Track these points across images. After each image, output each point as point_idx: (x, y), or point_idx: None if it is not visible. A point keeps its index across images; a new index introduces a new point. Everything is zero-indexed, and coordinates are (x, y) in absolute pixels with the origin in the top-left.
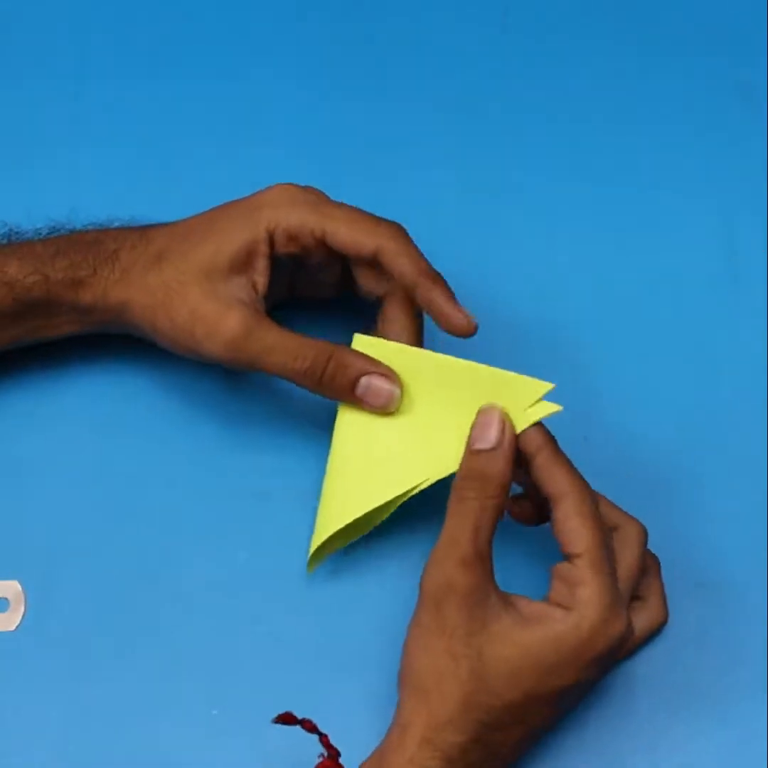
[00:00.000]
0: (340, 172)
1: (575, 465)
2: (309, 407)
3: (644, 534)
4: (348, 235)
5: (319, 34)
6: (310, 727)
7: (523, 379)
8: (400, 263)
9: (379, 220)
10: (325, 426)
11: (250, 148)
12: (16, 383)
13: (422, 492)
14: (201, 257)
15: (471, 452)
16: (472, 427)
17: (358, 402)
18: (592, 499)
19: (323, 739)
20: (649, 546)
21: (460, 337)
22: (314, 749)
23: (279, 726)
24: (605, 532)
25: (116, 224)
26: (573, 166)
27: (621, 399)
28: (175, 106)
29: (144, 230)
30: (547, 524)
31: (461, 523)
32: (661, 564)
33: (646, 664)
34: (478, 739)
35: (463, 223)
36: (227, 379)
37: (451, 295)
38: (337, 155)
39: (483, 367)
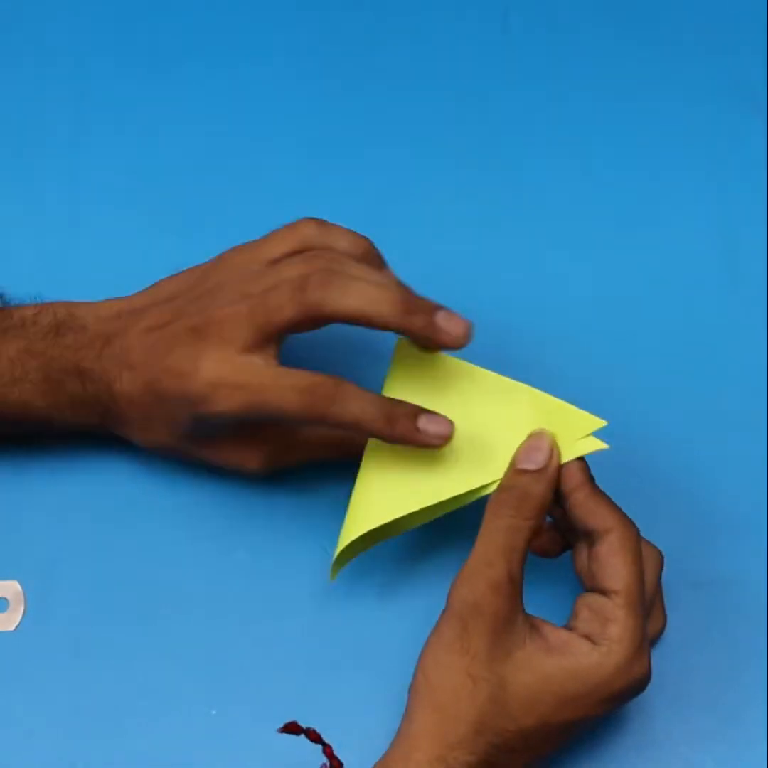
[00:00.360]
0: (340, 172)
1: None
2: None
3: (661, 561)
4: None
5: (318, 34)
6: (314, 737)
7: (576, 412)
8: (379, 313)
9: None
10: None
11: (250, 150)
12: None
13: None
14: (210, 353)
15: (515, 471)
16: (520, 448)
17: (420, 441)
18: (637, 537)
19: (327, 750)
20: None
21: (457, 347)
22: (314, 751)
23: (278, 722)
24: (643, 575)
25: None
26: (572, 166)
27: (619, 399)
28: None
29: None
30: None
31: (495, 541)
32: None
33: None
34: (488, 760)
35: (461, 222)
36: None
37: (431, 320)
38: (337, 155)
39: (535, 390)
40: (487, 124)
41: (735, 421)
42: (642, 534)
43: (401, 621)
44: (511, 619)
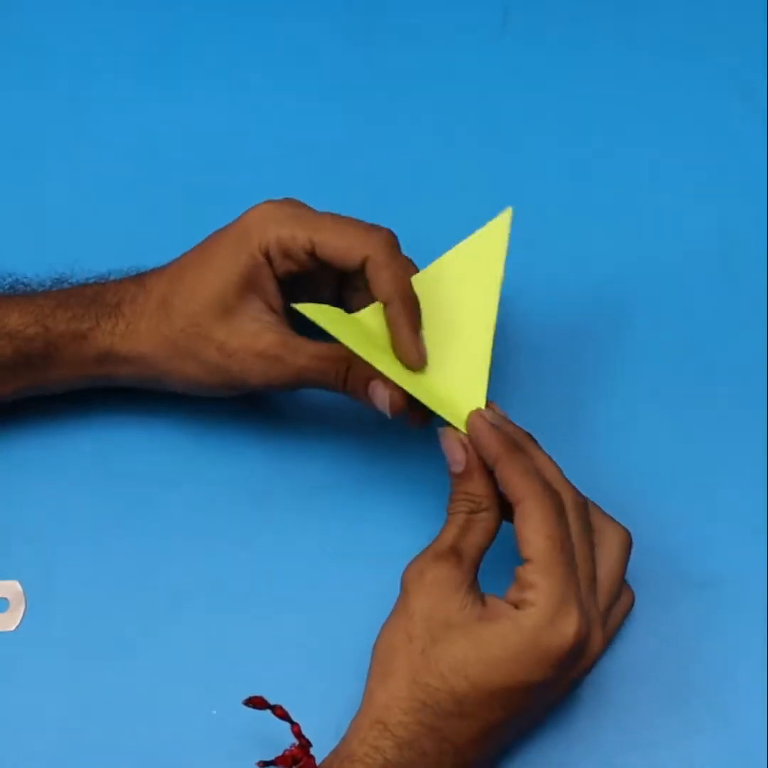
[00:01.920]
0: (339, 171)
1: (575, 465)
2: (308, 406)
3: (629, 539)
4: (336, 246)
5: (318, 33)
6: (281, 713)
7: (481, 234)
8: (381, 277)
9: (369, 229)
10: (325, 426)
11: (249, 150)
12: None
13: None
14: (208, 293)
15: (451, 474)
16: (443, 450)
17: (368, 401)
18: (552, 504)
19: (294, 727)
20: (651, 545)
21: (406, 365)
22: (315, 750)
23: (278, 722)
24: (562, 538)
25: (114, 277)
26: (572, 166)
27: (618, 399)
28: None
29: (140, 279)
30: None
31: (448, 527)
32: (662, 564)
33: (646, 662)
34: (422, 722)
35: (460, 222)
36: None
37: (415, 325)
38: (336, 155)
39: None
40: (485, 123)
41: (735, 420)
42: (641, 533)
43: None
44: (453, 587)
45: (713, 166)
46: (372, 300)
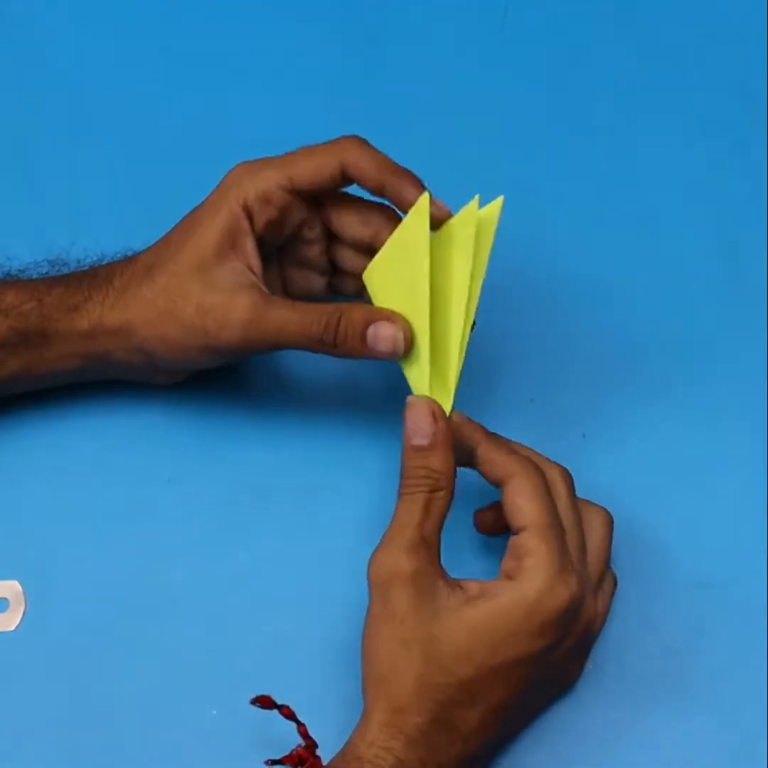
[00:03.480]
0: None
1: (575, 465)
2: (307, 408)
3: (609, 518)
4: (310, 167)
5: (317, 34)
6: (287, 713)
7: (467, 211)
8: (363, 167)
9: (335, 140)
10: (324, 426)
11: (247, 148)
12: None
13: None
14: (189, 254)
15: (410, 448)
16: (405, 421)
17: (370, 354)
18: (541, 478)
19: (301, 728)
20: (651, 545)
21: (435, 224)
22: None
23: (278, 722)
24: (552, 508)
25: (107, 260)
26: (571, 166)
27: (619, 399)
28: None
29: (132, 256)
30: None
31: (409, 510)
32: (662, 564)
33: (646, 662)
34: (436, 719)
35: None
36: (225, 380)
37: (420, 184)
38: None
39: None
40: (484, 124)
41: (734, 421)
42: (641, 533)
43: None
44: (431, 580)
45: (713, 167)
46: (363, 257)
